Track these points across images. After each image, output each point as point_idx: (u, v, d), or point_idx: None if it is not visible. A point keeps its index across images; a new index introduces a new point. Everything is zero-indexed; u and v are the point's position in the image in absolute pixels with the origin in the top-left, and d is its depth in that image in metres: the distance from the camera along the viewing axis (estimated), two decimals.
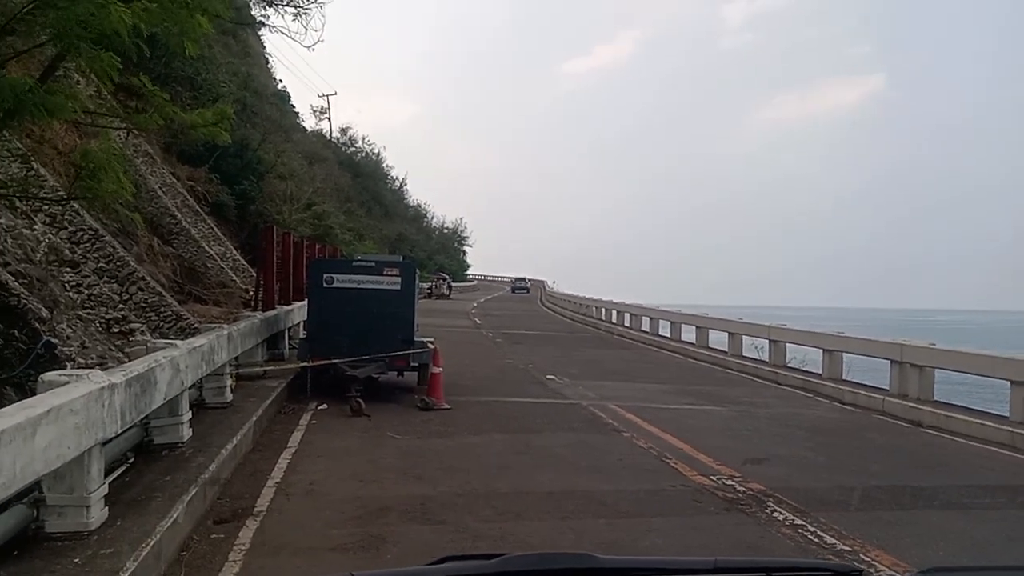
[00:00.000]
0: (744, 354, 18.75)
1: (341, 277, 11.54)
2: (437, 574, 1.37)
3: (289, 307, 14.77)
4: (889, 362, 13.09)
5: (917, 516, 6.78)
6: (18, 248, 10.22)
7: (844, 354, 14.97)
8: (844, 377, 14.83)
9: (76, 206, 11.41)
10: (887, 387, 13.05)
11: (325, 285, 11.46)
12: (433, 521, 5.92)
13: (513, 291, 74.22)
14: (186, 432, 7.07)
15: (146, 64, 13.22)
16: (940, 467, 9.02)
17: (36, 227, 11.29)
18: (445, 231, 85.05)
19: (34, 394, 4.46)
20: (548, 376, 14.66)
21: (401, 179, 75.79)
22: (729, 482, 7.34)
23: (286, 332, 14.17)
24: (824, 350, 15.08)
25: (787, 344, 16.98)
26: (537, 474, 7.62)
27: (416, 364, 11.50)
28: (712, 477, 7.52)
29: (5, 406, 4.31)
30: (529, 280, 79.44)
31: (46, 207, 11.51)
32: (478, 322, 30.86)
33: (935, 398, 12.33)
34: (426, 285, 46.72)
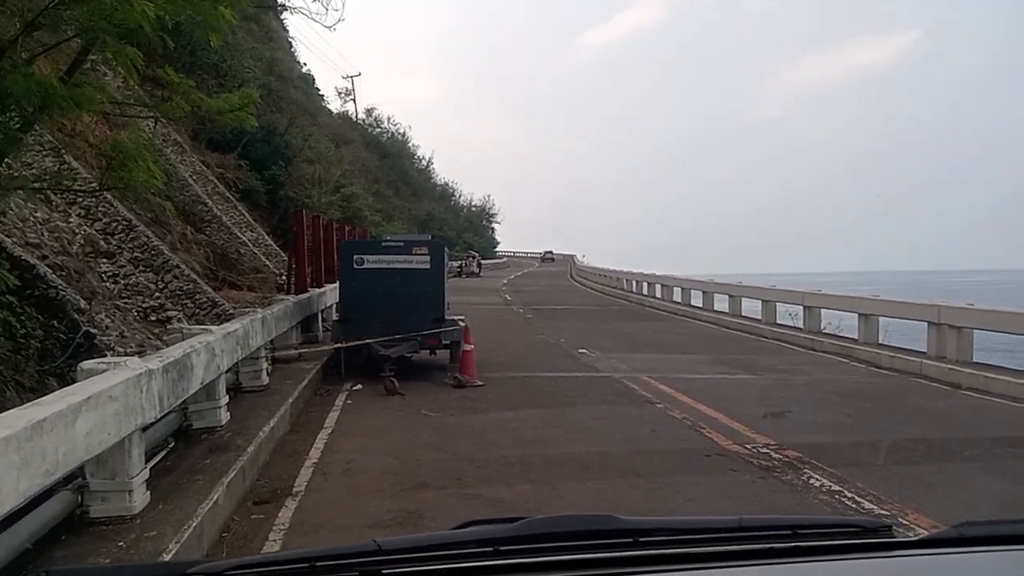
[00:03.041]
0: (779, 322, 18.57)
1: (371, 258, 11.61)
2: (460, 538, 1.39)
3: (321, 289, 14.92)
4: (926, 324, 12.89)
5: (957, 478, 6.68)
6: (55, 241, 10.43)
7: (880, 318, 14.76)
8: (881, 341, 14.63)
9: (109, 197, 11.61)
10: (925, 350, 12.86)
11: (356, 266, 11.55)
12: (469, 495, 5.98)
13: (542, 261, 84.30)
14: (224, 416, 7.20)
15: (171, 54, 13.34)
16: (979, 429, 8.87)
17: (71, 220, 11.50)
18: (473, 209, 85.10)
19: (74, 383, 4.55)
20: (580, 350, 14.65)
21: (428, 158, 75.95)
22: (764, 450, 7.30)
23: (319, 314, 14.32)
24: (860, 314, 14.88)
25: (822, 310, 16.78)
26: (572, 446, 7.64)
27: (448, 342, 11.56)
28: (747, 445, 7.49)
29: (47, 395, 4.41)
30: (557, 254, 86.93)
31: (80, 199, 11.72)
32: (508, 299, 30.89)
33: (974, 359, 12.13)
34: (455, 263, 46.83)
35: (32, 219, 10.32)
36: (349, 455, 7.20)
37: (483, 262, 58.19)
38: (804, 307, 17.17)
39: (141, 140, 7.40)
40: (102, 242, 11.94)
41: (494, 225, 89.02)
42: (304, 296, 13.35)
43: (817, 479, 6.40)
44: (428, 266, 11.59)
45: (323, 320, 14.74)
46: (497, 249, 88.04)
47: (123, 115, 11.37)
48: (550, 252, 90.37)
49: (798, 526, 1.48)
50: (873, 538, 1.47)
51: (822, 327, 16.73)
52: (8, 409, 3.89)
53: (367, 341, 11.02)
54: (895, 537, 1.46)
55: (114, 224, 12.30)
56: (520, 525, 1.39)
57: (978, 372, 11.21)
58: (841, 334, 16.03)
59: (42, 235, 10.26)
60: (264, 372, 9.35)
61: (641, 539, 1.39)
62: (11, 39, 5.92)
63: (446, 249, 13.38)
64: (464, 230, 73.77)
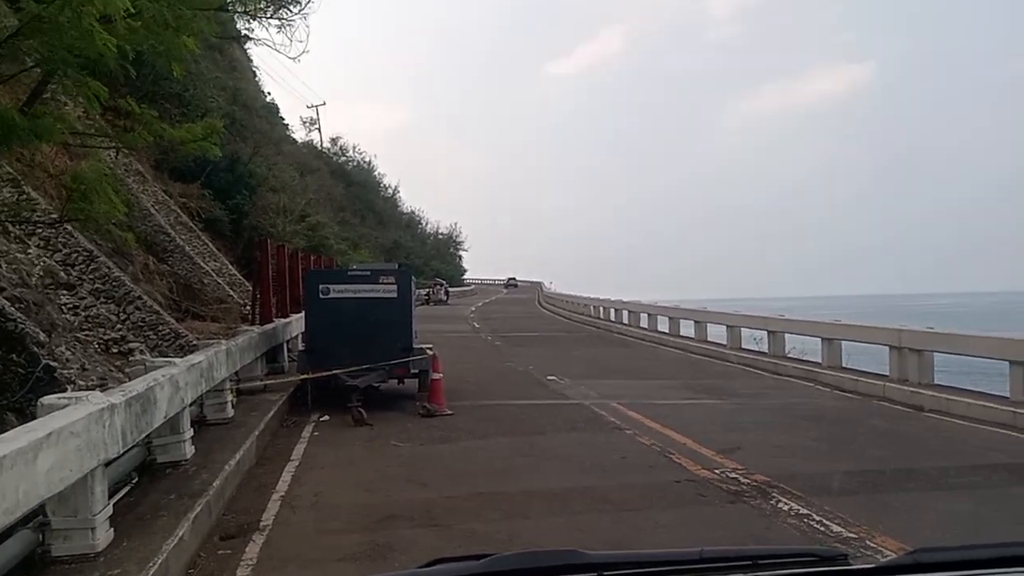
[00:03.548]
0: (744, 346, 18.77)
1: (337, 287, 11.55)
2: None
3: (287, 319, 14.77)
4: (888, 348, 13.12)
5: (923, 500, 6.79)
6: (13, 272, 10.21)
7: (843, 342, 15.00)
8: (844, 365, 14.85)
9: (69, 228, 11.42)
10: (887, 373, 13.08)
11: (321, 296, 11.47)
12: (440, 526, 5.93)
13: (505, 287, 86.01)
14: (189, 449, 7.07)
15: (133, 83, 13.24)
16: (943, 450, 9.03)
17: (30, 251, 11.28)
18: (440, 237, 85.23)
19: (35, 418, 4.45)
20: (549, 377, 14.67)
21: (393, 187, 76.03)
22: (733, 475, 7.35)
23: (285, 345, 14.16)
24: (823, 338, 15.10)
25: (786, 334, 17.01)
26: (542, 475, 7.63)
27: (416, 371, 11.50)
28: (716, 470, 7.53)
29: (6, 431, 4.30)
30: (523, 280, 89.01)
31: (39, 230, 11.51)
32: (477, 326, 30.86)
33: (936, 382, 12.36)
34: (423, 291, 46.71)
35: None
36: (317, 487, 7.10)
37: (451, 290, 58.11)
38: (768, 332, 17.39)
39: (102, 171, 7.35)
40: (62, 273, 11.70)
41: (461, 252, 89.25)
42: (269, 327, 13.20)
43: (785, 503, 6.44)
44: (395, 295, 11.55)
45: (289, 351, 14.58)
46: (464, 276, 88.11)
47: (84, 145, 11.25)
48: (513, 279, 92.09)
49: (758, 556, 1.52)
50: (831, 566, 1.51)
51: (787, 352, 16.94)
52: None
53: (334, 371, 10.92)
54: (851, 565, 1.50)
55: (74, 255, 12.09)
56: (488, 562, 1.42)
57: (939, 394, 11.42)
58: (805, 358, 16.25)
59: (0, 267, 10.05)
60: (229, 404, 9.21)
61: (605, 573, 1.43)
62: None
63: (413, 277, 13.34)
64: (431, 258, 73.74)
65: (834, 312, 21.73)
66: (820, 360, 15.02)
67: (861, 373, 13.96)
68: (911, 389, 11.96)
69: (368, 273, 12.13)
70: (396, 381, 11.84)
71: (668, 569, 1.48)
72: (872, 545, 5.38)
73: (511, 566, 1.42)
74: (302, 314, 13.16)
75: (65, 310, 11.15)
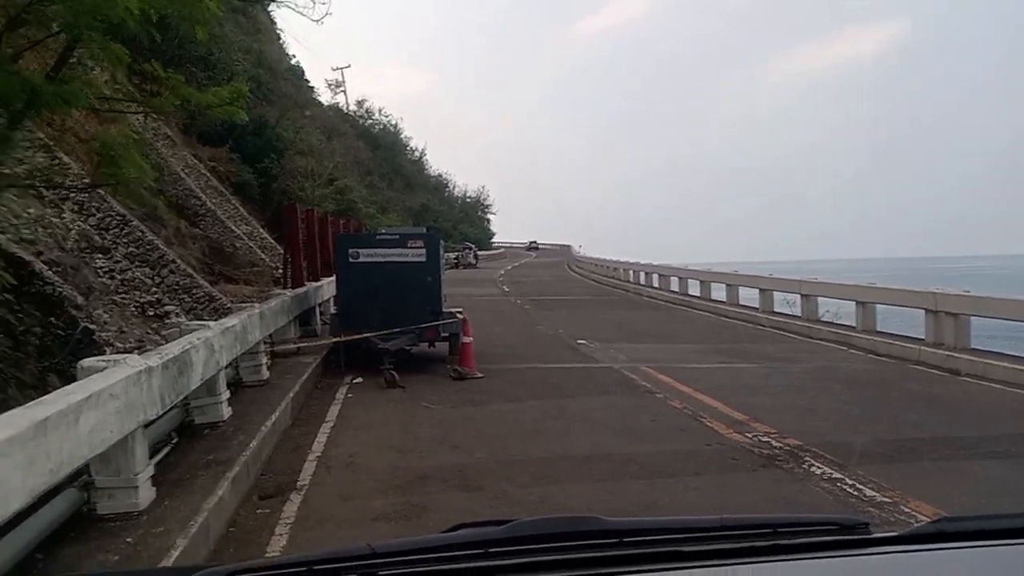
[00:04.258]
0: (776, 310, 18.61)
1: (366, 251, 11.59)
2: (451, 540, 1.44)
3: (318, 283, 14.88)
4: (924, 311, 12.92)
5: (958, 465, 6.69)
6: (49, 237, 10.36)
7: (878, 305, 14.80)
8: (879, 328, 14.67)
9: (102, 193, 11.54)
10: (923, 337, 12.90)
11: (351, 260, 11.52)
12: (472, 488, 5.98)
13: (527, 249, 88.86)
14: (226, 411, 7.19)
15: (159, 47, 13.23)
16: (980, 415, 8.91)
17: (65, 215, 11.43)
18: (468, 200, 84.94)
19: (75, 380, 4.53)
20: (579, 340, 14.66)
21: (421, 150, 75.68)
22: (765, 438, 7.32)
23: (317, 308, 14.30)
24: (857, 302, 14.92)
25: (819, 298, 16.81)
26: (572, 438, 7.65)
27: (446, 334, 11.56)
28: (747, 434, 7.50)
29: (48, 393, 4.39)
30: (551, 245, 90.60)
31: (73, 195, 11.65)
32: (506, 289, 30.89)
33: (972, 346, 12.17)
34: (452, 255, 46.79)
35: (25, 216, 10.24)
36: (351, 448, 7.19)
37: (479, 253, 58.15)
38: (801, 295, 17.20)
39: (129, 136, 7.37)
40: (97, 238, 11.86)
41: (489, 216, 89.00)
42: (301, 290, 13.31)
43: (818, 467, 6.41)
44: (424, 259, 11.57)
45: (321, 314, 14.72)
46: (493, 240, 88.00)
47: (112, 110, 11.30)
48: (535, 242, 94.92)
49: (779, 524, 1.52)
50: (851, 535, 1.50)
51: (820, 315, 16.76)
52: (11, 407, 3.87)
53: (366, 335, 11.01)
54: (872, 534, 1.49)
55: (108, 219, 12.23)
56: (509, 527, 1.44)
57: (977, 359, 11.24)
58: (839, 321, 16.07)
59: (36, 232, 10.19)
60: (264, 367, 9.33)
61: (626, 539, 1.44)
62: None
63: (442, 241, 13.33)
64: (459, 221, 73.65)
65: (865, 276, 21.40)
66: (854, 324, 14.86)
67: (896, 337, 13.78)
68: (947, 353, 11.78)
69: (397, 237, 12.14)
70: (427, 344, 11.91)
71: (689, 536, 1.49)
72: (906, 510, 5.34)
73: (533, 531, 1.44)
74: (333, 278, 13.25)
75: (101, 274, 11.32)
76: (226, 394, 7.32)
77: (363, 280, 11.40)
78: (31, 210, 10.44)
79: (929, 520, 1.50)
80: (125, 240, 12.30)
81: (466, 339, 11.19)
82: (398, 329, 11.10)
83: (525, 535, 1.42)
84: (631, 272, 33.25)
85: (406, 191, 62.80)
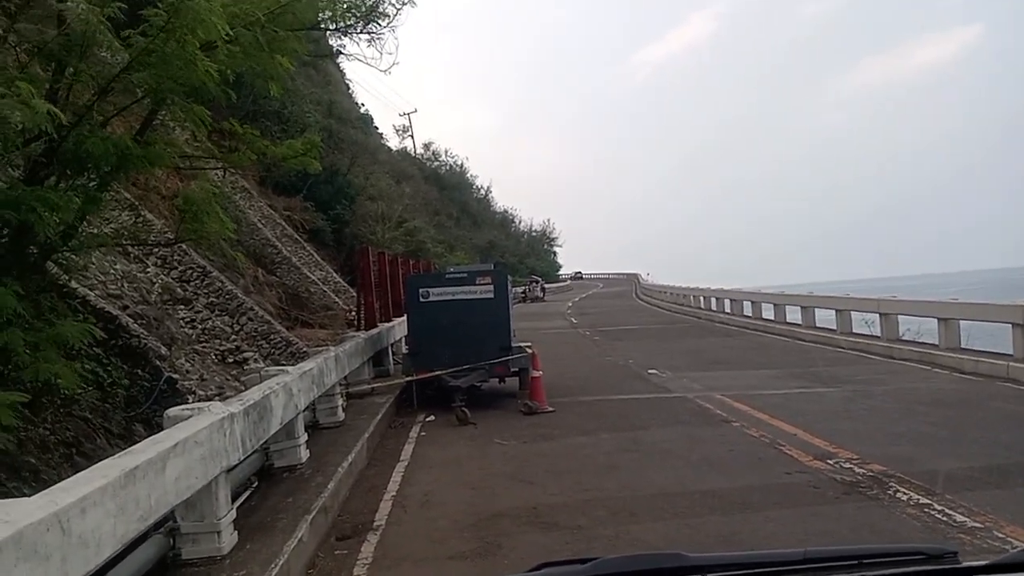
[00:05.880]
0: (854, 331, 18.05)
1: (436, 290, 11.77)
2: None
3: (390, 324, 15.15)
4: (1011, 326, 12.36)
5: None
6: (134, 291, 10.88)
7: (960, 321, 14.22)
8: (963, 345, 14.08)
9: (183, 246, 12.07)
10: (1011, 352, 12.32)
11: (421, 300, 11.72)
12: (547, 525, 5.95)
13: (572, 279, 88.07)
14: (304, 453, 7.36)
15: (235, 105, 13.85)
16: None
17: (149, 270, 12.00)
18: (533, 234, 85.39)
19: (160, 429, 4.73)
20: (650, 371, 14.50)
21: (486, 187, 76.68)
22: (847, 465, 7.10)
23: (389, 348, 14.54)
24: (939, 319, 14.36)
25: (899, 316, 16.26)
26: (647, 471, 7.55)
27: (516, 369, 11.61)
28: (829, 461, 7.28)
29: (136, 442, 4.59)
30: (618, 273, 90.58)
31: (156, 250, 12.22)
32: (574, 321, 30.81)
33: None
34: (519, 289, 46.98)
35: (112, 271, 10.81)
36: (426, 487, 7.27)
37: (547, 286, 58.22)
38: (880, 314, 16.66)
39: (210, 191, 7.68)
40: (179, 289, 12.40)
41: (555, 248, 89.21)
42: (374, 331, 13.58)
43: (904, 493, 6.18)
44: (492, 295, 11.68)
45: (393, 354, 14.96)
46: (560, 272, 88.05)
47: (193, 168, 11.85)
48: (579, 272, 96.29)
49: (864, 556, 1.49)
50: (939, 564, 1.46)
51: (900, 334, 16.19)
52: (101, 458, 4.06)
53: (437, 373, 11.15)
54: (962, 563, 1.44)
55: (189, 271, 12.79)
56: (593, 565, 1.44)
57: None
58: (921, 340, 15.48)
59: (122, 286, 10.73)
60: (340, 408, 9.54)
61: (709, 575, 1.43)
62: (87, 104, 6.25)
63: (509, 276, 13.45)
64: (526, 255, 74.05)
65: (950, 291, 20.60)
66: (937, 341, 14.29)
67: (982, 353, 13.19)
68: None
69: (465, 275, 12.31)
70: (497, 380, 11.97)
71: (773, 570, 1.46)
72: (1000, 535, 5.10)
73: (615, 569, 1.44)
74: (404, 318, 13.48)
75: (183, 324, 11.81)
76: (304, 437, 7.49)
77: (433, 319, 11.58)
78: (117, 266, 11.01)
79: (1022, 548, 1.45)
80: (205, 290, 12.82)
81: (535, 373, 11.22)
82: (468, 366, 11.21)
83: (610, 574, 1.42)
84: (701, 298, 32.73)
85: (473, 228, 63.58)
